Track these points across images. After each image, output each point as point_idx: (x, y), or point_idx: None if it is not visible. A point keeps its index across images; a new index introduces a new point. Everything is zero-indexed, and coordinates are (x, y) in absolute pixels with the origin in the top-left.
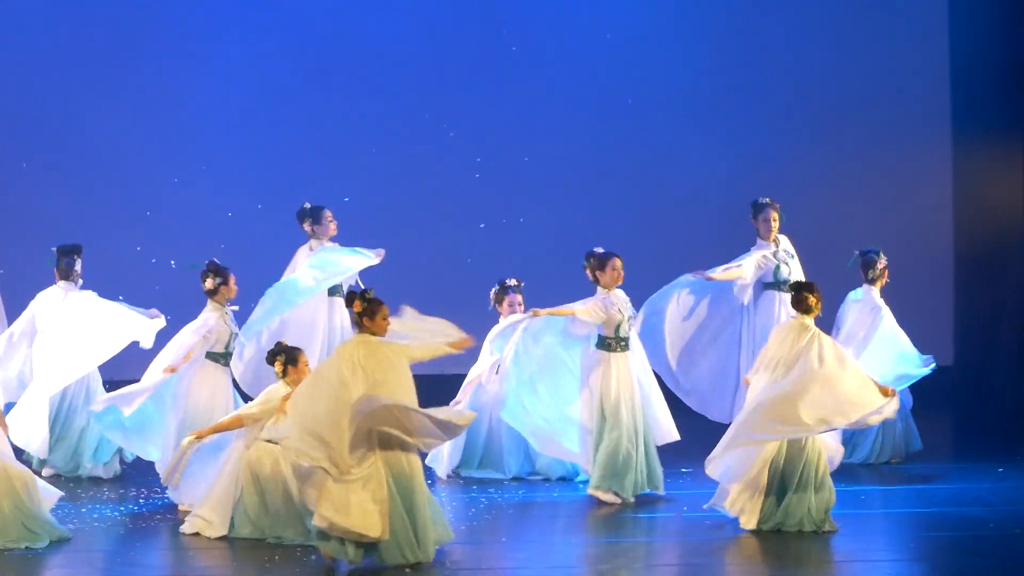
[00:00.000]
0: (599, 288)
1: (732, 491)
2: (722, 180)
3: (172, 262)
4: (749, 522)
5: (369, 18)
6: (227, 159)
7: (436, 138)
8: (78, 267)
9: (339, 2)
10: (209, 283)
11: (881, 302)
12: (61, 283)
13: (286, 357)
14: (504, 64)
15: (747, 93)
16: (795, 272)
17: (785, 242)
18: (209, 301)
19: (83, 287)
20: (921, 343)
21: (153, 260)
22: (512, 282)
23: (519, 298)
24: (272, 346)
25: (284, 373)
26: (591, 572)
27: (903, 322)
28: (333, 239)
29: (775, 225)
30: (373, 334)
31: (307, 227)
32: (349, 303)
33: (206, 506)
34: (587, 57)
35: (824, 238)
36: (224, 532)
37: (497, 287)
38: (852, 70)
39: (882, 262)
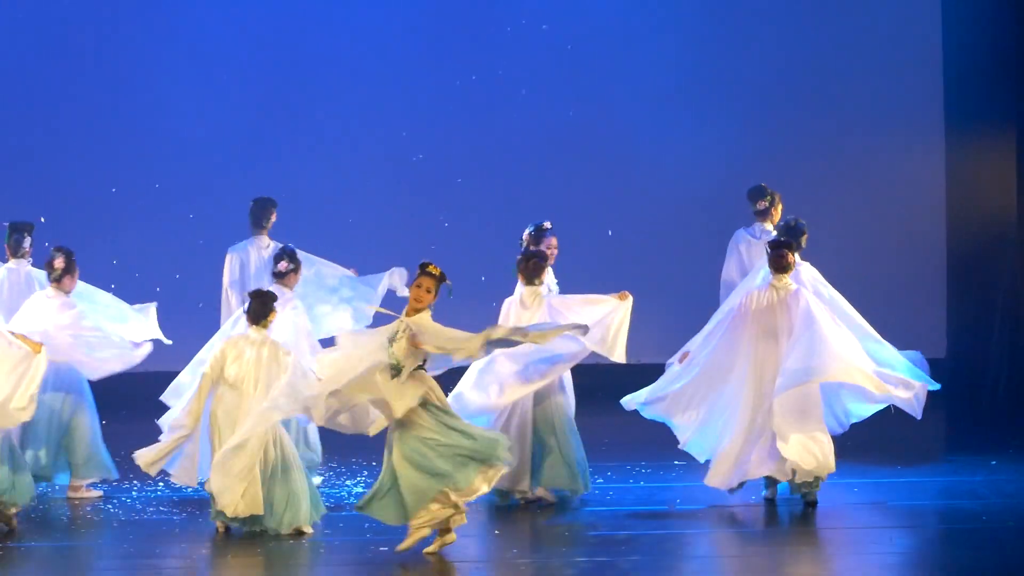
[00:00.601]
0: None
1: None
2: (709, 175)
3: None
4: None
5: (344, 18)
6: (196, 161)
7: (415, 139)
8: (27, 244)
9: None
10: (283, 265)
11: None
12: (12, 261)
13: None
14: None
15: (737, 87)
16: None
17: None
18: (275, 284)
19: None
20: (914, 336)
21: (114, 261)
22: (547, 225)
23: (554, 241)
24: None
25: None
26: (588, 565)
27: (896, 316)
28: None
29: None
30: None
31: (270, 220)
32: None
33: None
34: (575, 47)
35: (816, 235)
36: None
37: (531, 229)
38: (843, 64)
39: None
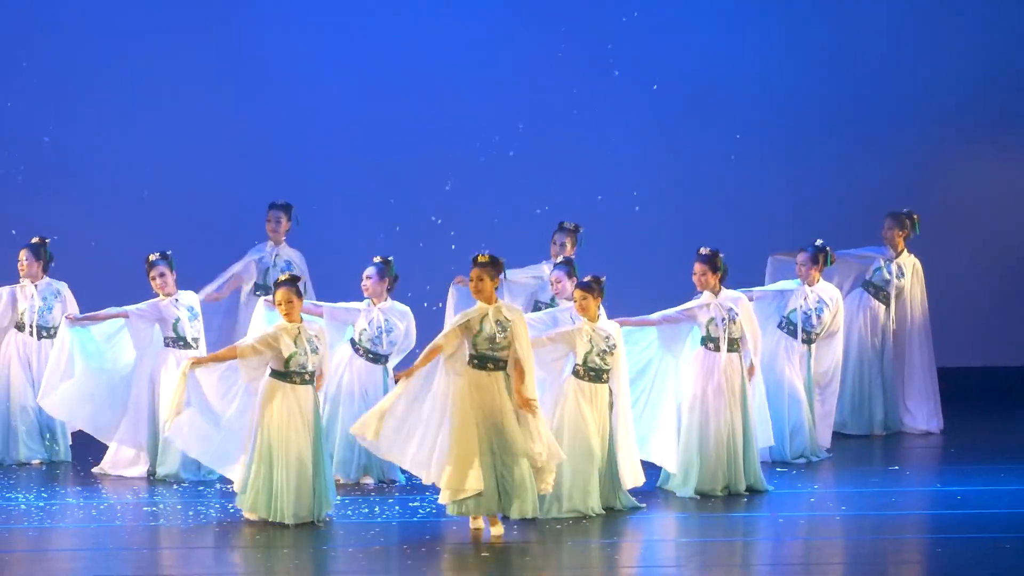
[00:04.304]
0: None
1: None
2: (820, 189)
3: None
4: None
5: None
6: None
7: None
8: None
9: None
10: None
11: None
12: None
13: None
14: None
15: (844, 109)
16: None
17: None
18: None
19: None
20: (1001, 343)
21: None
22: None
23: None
24: None
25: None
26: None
27: (992, 326)
28: None
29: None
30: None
31: None
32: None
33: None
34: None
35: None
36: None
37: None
38: (935, 69)
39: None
